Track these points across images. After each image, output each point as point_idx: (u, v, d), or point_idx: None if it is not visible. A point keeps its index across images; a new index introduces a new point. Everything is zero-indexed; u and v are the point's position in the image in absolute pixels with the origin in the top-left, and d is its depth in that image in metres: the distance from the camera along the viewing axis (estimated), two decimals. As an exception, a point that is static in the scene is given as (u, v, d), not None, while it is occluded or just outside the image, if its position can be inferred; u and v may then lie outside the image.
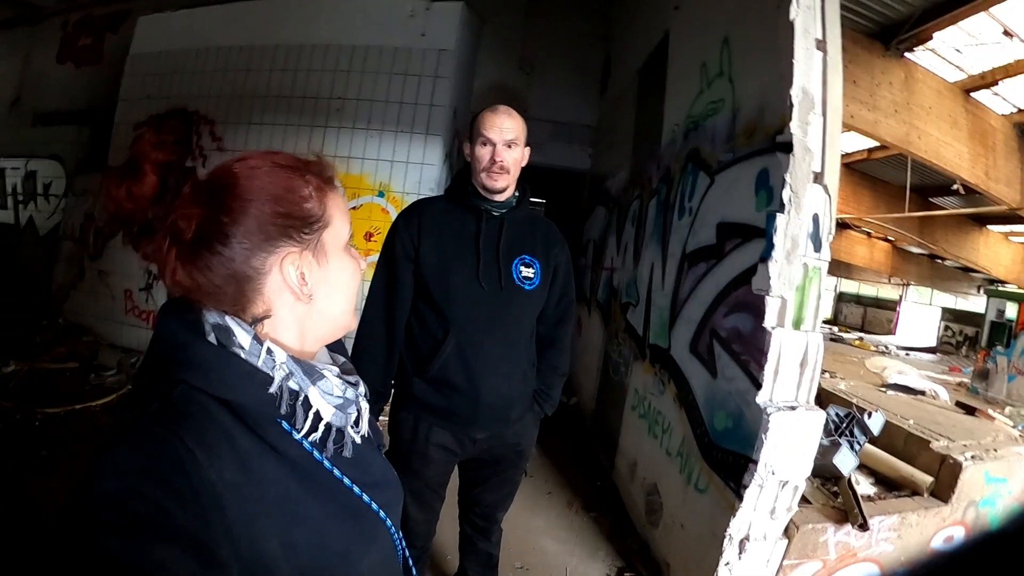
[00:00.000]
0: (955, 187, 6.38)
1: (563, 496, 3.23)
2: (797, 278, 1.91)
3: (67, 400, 3.68)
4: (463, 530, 1.96)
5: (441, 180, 4.28)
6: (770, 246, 1.91)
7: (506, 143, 1.54)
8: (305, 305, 0.68)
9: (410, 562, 0.84)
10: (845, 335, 16.88)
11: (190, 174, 0.64)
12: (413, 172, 4.20)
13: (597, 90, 5.51)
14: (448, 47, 4.20)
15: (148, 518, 0.48)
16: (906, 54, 5.02)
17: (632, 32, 4.45)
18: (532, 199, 1.72)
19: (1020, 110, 5.89)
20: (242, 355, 0.61)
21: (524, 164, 1.63)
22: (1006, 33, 4.51)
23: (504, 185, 1.56)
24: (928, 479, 2.35)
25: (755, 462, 1.85)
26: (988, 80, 5.31)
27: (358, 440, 0.73)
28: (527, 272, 1.62)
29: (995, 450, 2.51)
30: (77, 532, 0.47)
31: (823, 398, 2.06)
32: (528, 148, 1.63)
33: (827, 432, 2.36)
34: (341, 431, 0.69)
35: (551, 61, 5.45)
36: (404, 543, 0.81)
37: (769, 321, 1.91)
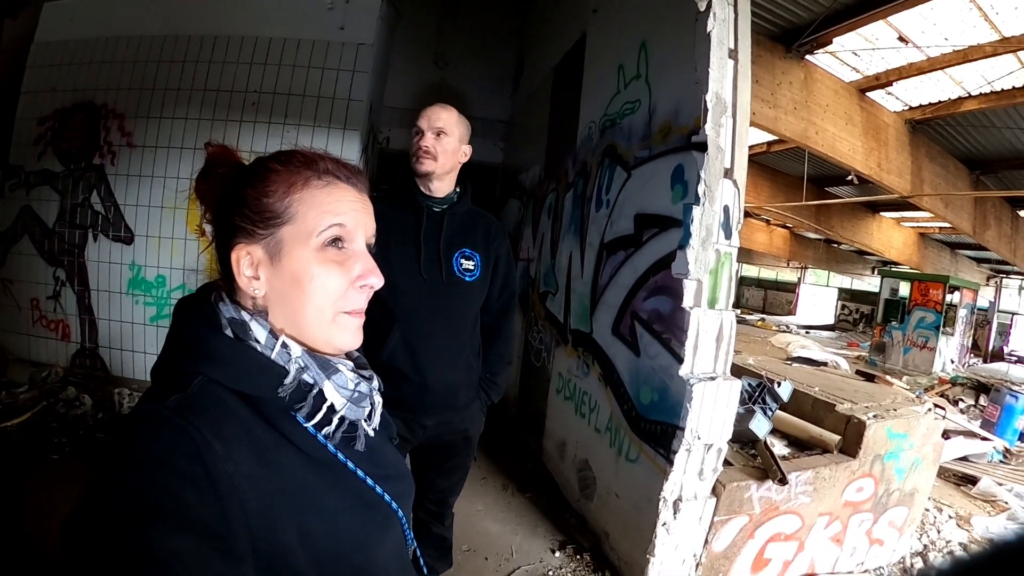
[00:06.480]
0: (850, 177, 6.97)
1: (497, 481, 3.34)
2: (711, 263, 2.12)
3: (-23, 422, 3.38)
4: (417, 516, 2.00)
5: (359, 176, 4.19)
6: (687, 235, 2.10)
7: (435, 131, 1.62)
8: (272, 302, 0.67)
9: (418, 552, 0.84)
10: (748, 317, 17.98)
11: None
12: (331, 167, 4.09)
13: (511, 86, 5.57)
14: (367, 41, 4.10)
15: (166, 509, 0.48)
16: (807, 56, 5.39)
17: (547, 31, 4.54)
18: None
19: (911, 108, 6.44)
20: (258, 348, 0.63)
21: (464, 160, 1.71)
22: (901, 39, 4.93)
23: (429, 170, 1.62)
24: (836, 438, 2.57)
25: (682, 429, 2.04)
26: (883, 81, 5.77)
27: (371, 433, 0.74)
28: (467, 264, 1.70)
29: (895, 409, 2.74)
30: (94, 522, 0.47)
31: (734, 372, 2.27)
32: (469, 147, 1.71)
33: (741, 401, 2.58)
34: (355, 424, 0.70)
35: (465, 57, 5.47)
36: (413, 534, 0.81)
37: (687, 302, 2.10)
